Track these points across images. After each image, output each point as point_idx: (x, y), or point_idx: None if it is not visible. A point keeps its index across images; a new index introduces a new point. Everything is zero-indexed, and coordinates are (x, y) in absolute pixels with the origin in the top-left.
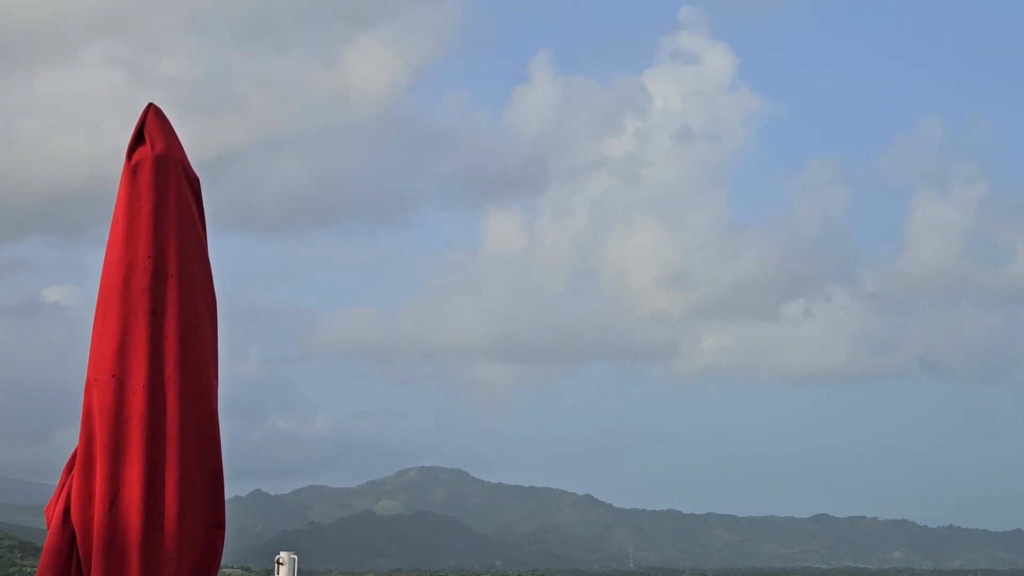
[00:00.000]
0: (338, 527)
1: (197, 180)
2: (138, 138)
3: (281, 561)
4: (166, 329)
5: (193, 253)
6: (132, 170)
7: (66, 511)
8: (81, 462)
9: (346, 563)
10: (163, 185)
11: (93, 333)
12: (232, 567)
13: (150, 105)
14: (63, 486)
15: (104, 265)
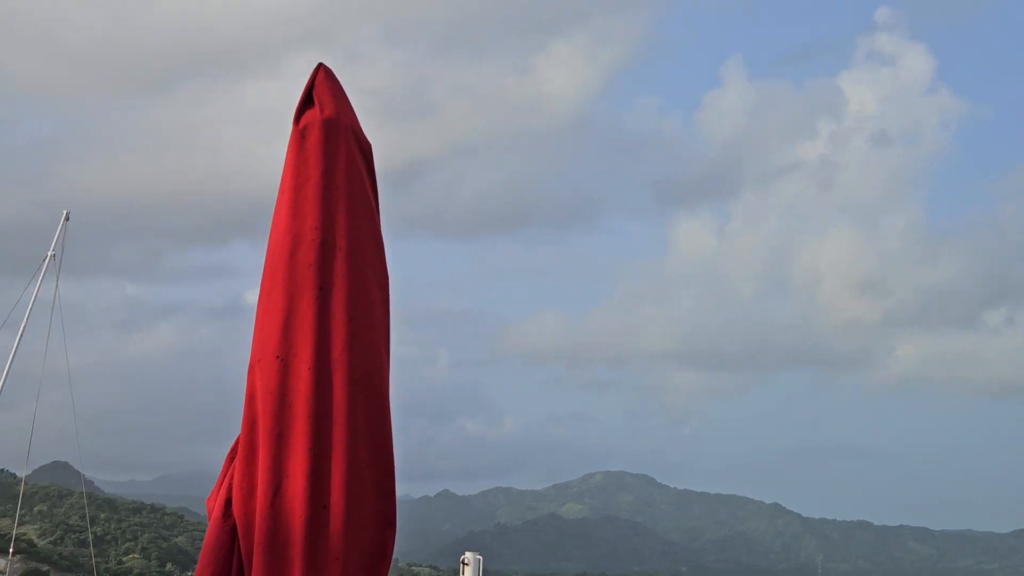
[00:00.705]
0: (524, 529)
1: (369, 147)
2: (307, 101)
3: (466, 561)
4: (334, 307)
5: (364, 225)
6: (300, 134)
7: (227, 503)
8: (243, 450)
9: (531, 565)
10: (332, 151)
11: (257, 310)
12: (420, 565)
13: (320, 65)
14: (225, 476)
15: (270, 237)
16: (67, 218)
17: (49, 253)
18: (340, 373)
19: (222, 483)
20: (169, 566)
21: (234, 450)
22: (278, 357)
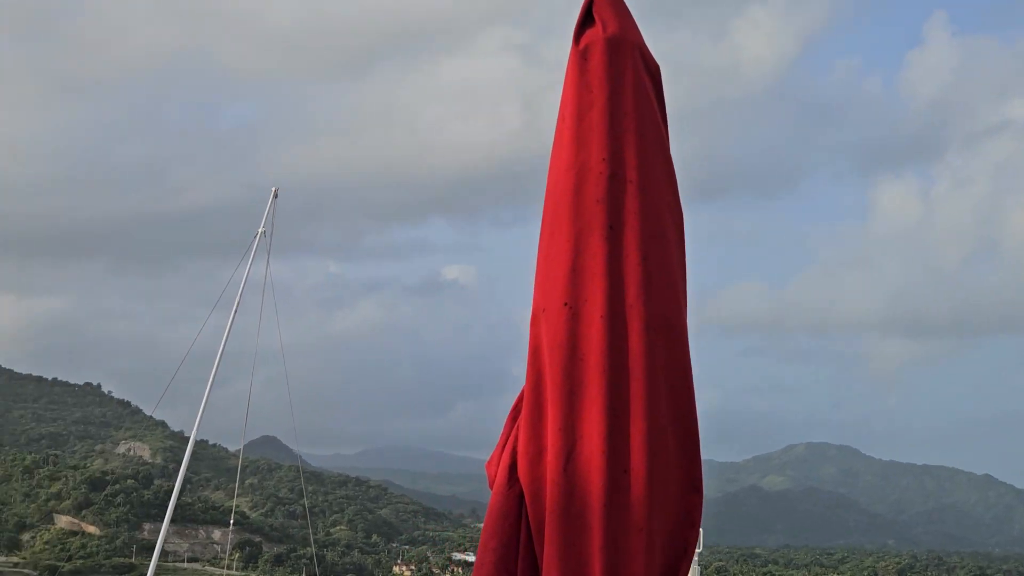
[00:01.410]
0: (725, 501)
1: (658, 69)
2: (586, 18)
3: None
4: (626, 247)
5: (655, 155)
6: (581, 56)
7: (512, 467)
8: (529, 409)
9: (733, 538)
10: (618, 73)
11: (539, 254)
12: None
13: None
14: (507, 438)
15: (550, 172)
16: (276, 195)
17: (260, 230)
18: (636, 320)
19: (504, 445)
20: (375, 537)
21: (517, 408)
22: (566, 304)
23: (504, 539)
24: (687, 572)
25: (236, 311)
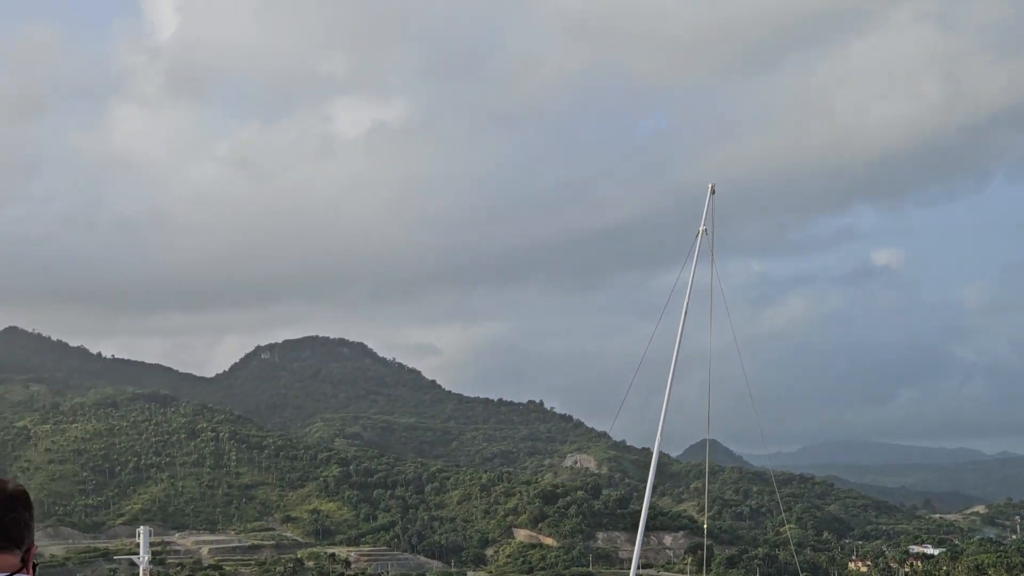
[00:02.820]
0: None
1: None
2: None
3: None
4: None
5: None
6: None
7: None
8: None
9: None
10: None
11: None
12: None
13: None
14: None
15: None
16: (712, 191)
17: (700, 229)
18: None
19: None
20: (826, 534)
21: None
22: None
23: None
24: None
25: (686, 313)
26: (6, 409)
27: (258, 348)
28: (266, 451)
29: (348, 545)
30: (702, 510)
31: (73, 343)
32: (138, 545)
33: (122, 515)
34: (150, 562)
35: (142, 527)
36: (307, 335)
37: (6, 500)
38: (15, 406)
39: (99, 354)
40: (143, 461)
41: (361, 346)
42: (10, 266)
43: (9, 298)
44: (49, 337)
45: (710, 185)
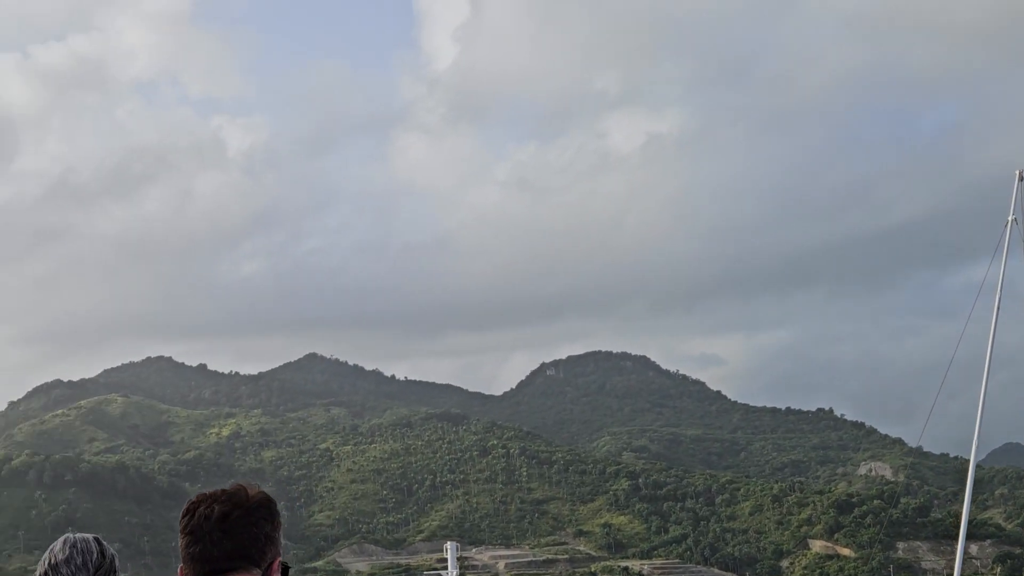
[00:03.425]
0: None
1: None
2: None
3: None
4: None
5: None
6: None
7: None
8: None
9: None
10: None
11: None
12: None
13: None
14: None
15: None
16: (1021, 178)
17: (1009, 218)
18: None
19: None
20: None
21: None
22: None
23: None
24: None
25: (998, 310)
26: (310, 432)
27: (543, 365)
28: (555, 466)
29: (640, 558)
30: (1009, 517)
31: (368, 367)
32: (445, 560)
33: (421, 531)
34: None
35: (449, 543)
36: (590, 350)
37: (245, 514)
38: (318, 429)
39: (392, 376)
40: (439, 479)
41: (644, 359)
42: (310, 296)
43: (310, 326)
44: (346, 362)
45: (1017, 172)
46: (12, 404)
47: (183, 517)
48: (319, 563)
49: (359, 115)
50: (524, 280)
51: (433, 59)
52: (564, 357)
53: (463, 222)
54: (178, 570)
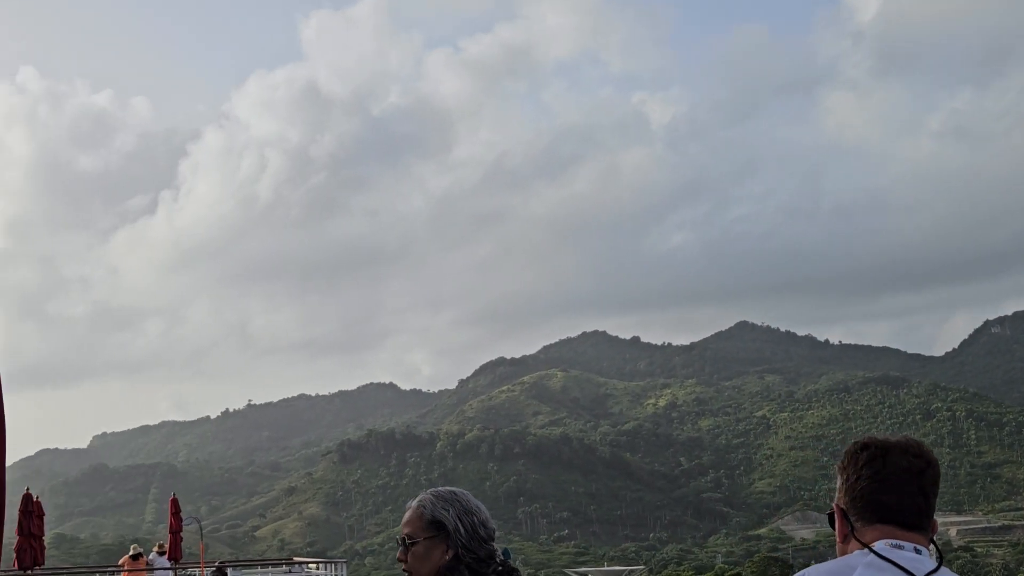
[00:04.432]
0: None
1: None
2: None
3: None
4: None
5: None
6: None
7: None
8: None
9: None
10: None
11: None
12: None
13: None
14: None
15: None
16: None
17: None
18: None
19: None
20: None
21: None
22: None
23: None
24: None
25: None
26: (745, 400)
27: (987, 322)
28: (1007, 428)
29: None
30: None
31: (800, 332)
32: None
33: None
34: None
35: None
36: None
37: (936, 477)
38: (752, 397)
39: (826, 341)
40: None
41: None
42: (737, 263)
43: (738, 293)
44: (777, 328)
45: None
46: (462, 382)
47: (871, 461)
48: (762, 531)
49: (780, 77)
50: (964, 235)
51: (857, 11)
52: (1010, 313)
53: (896, 178)
54: (833, 506)
